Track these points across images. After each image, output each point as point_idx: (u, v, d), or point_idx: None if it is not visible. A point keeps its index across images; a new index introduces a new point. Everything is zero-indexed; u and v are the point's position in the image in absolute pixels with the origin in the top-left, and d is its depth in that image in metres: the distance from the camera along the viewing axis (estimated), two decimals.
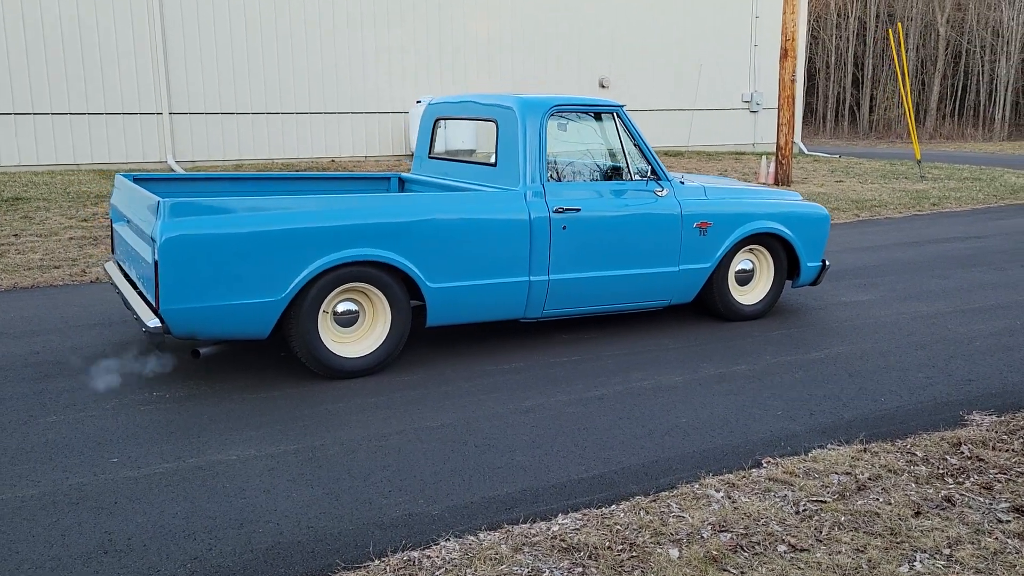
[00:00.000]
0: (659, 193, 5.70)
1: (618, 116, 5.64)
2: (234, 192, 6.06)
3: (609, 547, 3.07)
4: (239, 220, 4.46)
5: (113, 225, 5.70)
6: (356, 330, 4.95)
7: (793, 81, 13.66)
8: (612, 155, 5.72)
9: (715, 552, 3.01)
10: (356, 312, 4.93)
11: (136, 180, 5.60)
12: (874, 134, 46.18)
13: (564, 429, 4.21)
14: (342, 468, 3.76)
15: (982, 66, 44.91)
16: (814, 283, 6.49)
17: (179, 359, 5.18)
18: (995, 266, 8.43)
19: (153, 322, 4.36)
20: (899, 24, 17.21)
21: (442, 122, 6.35)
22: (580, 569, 2.94)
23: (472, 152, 6.56)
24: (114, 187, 5.73)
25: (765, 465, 3.78)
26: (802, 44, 23.72)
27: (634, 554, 3.02)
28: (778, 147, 13.94)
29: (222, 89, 16.40)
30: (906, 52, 14.56)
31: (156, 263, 4.29)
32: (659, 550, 3.05)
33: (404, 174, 6.63)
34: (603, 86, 20.90)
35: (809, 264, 6.36)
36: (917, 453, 3.88)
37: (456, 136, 6.59)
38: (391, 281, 4.90)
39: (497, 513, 3.37)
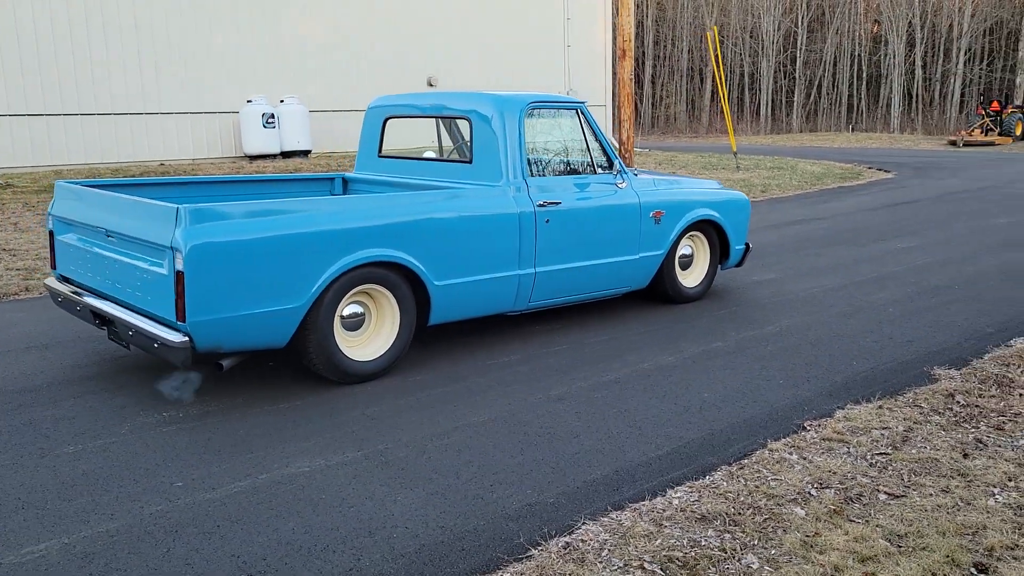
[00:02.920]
0: (620, 185, 5.99)
1: (581, 112, 5.86)
2: (181, 198, 5.72)
3: (739, 512, 3.30)
4: (262, 224, 4.27)
5: (57, 237, 5.21)
6: (362, 333, 4.86)
7: (631, 79, 14.44)
8: (578, 150, 5.93)
9: (833, 506, 3.32)
10: (362, 315, 4.84)
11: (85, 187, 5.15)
12: (657, 129, 49.32)
13: (607, 412, 4.39)
14: (426, 468, 3.74)
15: (743, 67, 49.13)
16: (739, 264, 7.04)
17: (159, 375, 4.86)
18: (854, 244, 9.44)
19: (177, 337, 4.09)
20: (715, 27, 18.61)
21: (392, 121, 6.28)
22: (728, 535, 3.14)
23: (436, 150, 6.53)
24: (55, 196, 5.24)
25: (809, 428, 4.15)
26: (608, 45, 24.99)
27: (766, 516, 3.26)
28: (621, 142, 14.69)
29: (27, 87, 15.00)
30: (719, 53, 15.73)
31: (180, 273, 4.03)
32: (783, 510, 3.31)
33: (348, 174, 6.50)
34: (431, 84, 21.04)
35: (736, 247, 6.89)
36: (923, 406, 4.41)
37: (404, 135, 6.52)
38: (400, 281, 4.86)
39: (608, 494, 3.50)
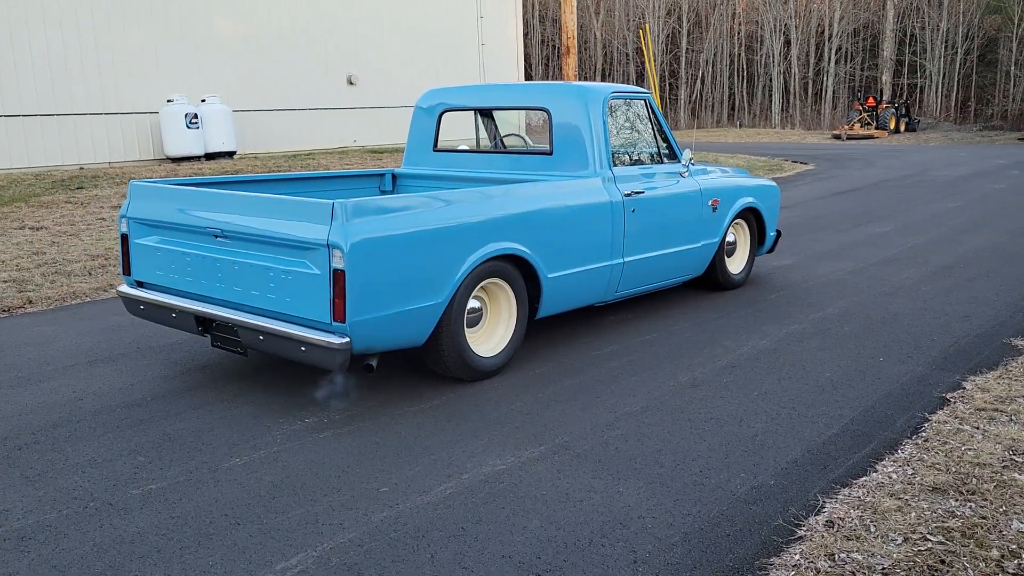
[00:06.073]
0: (683, 174, 6.05)
1: (648, 103, 5.89)
2: None
3: (965, 482, 3.39)
4: (413, 218, 4.10)
5: (133, 240, 4.83)
6: (479, 329, 4.74)
7: (576, 76, 14.58)
8: (648, 140, 5.95)
9: None
10: (480, 310, 4.72)
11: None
12: None
13: (750, 395, 4.43)
14: (622, 458, 3.68)
15: (628, 64, 50.35)
16: (771, 250, 7.23)
17: (280, 381, 4.61)
18: (834, 230, 9.84)
19: (336, 339, 3.87)
20: (646, 26, 19.01)
21: (449, 114, 6.13)
22: (973, 504, 3.23)
23: (470, 144, 6.41)
24: (130, 197, 4.86)
25: (953, 400, 4.32)
26: (520, 43, 25.12)
27: (994, 483, 3.37)
28: None
29: None
30: (651, 51, 16.17)
31: (340, 271, 3.82)
32: (1005, 477, 3.43)
33: (397, 170, 6.31)
34: (351, 83, 20.65)
35: (770, 233, 7.08)
36: None
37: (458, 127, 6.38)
38: (518, 274, 4.76)
39: (820, 473, 3.54)
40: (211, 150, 17.24)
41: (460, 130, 7.13)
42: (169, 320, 4.64)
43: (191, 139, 16.82)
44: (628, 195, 5.44)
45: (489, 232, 4.47)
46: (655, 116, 5.92)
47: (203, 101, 17.20)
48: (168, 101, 16.71)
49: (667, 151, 6.01)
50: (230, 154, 17.66)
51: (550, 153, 5.52)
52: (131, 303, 4.85)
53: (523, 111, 5.76)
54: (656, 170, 5.87)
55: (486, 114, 6.56)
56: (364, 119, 20.99)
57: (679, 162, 6.04)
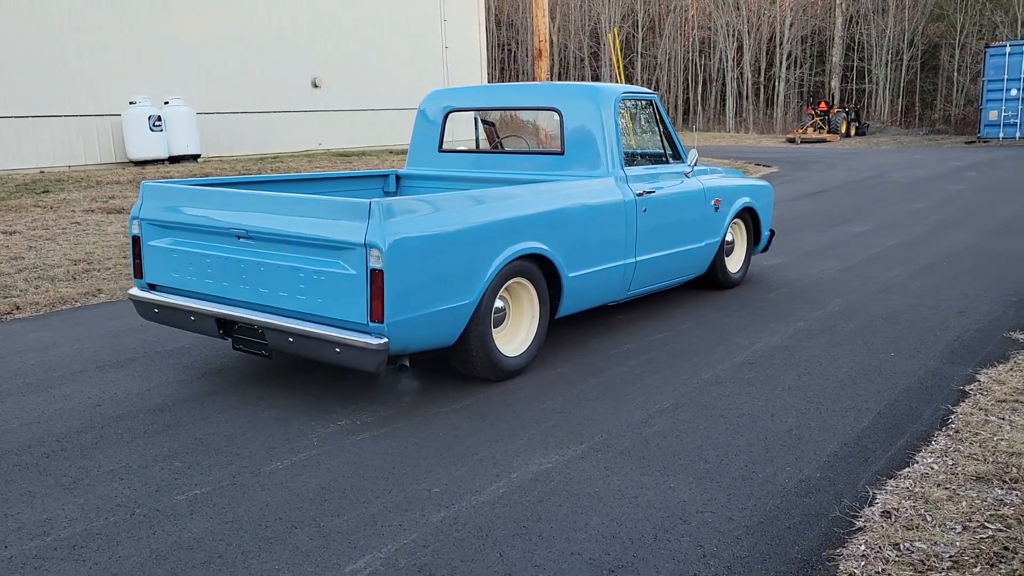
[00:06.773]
0: (688, 175, 6.11)
1: (655, 104, 5.93)
2: None
3: (1006, 471, 3.47)
4: (447, 217, 4.07)
5: (146, 243, 4.72)
6: (503, 329, 4.72)
7: (548, 78, 14.64)
8: (655, 141, 5.99)
9: None
10: (503, 310, 4.70)
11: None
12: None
13: (774, 391, 4.48)
14: (665, 455, 3.69)
15: (584, 68, 50.70)
16: (764, 249, 7.33)
17: (312, 381, 4.53)
18: (813, 230, 10.02)
19: (374, 339, 3.82)
20: (614, 29, 19.17)
21: (454, 115, 6.10)
22: (1018, 492, 3.31)
23: (468, 144, 6.39)
24: (143, 198, 4.74)
25: (972, 392, 4.41)
26: (483, 44, 25.15)
27: None
28: None
29: None
30: (619, 55, 16.32)
31: (378, 271, 3.77)
32: None
33: (401, 171, 6.26)
34: (316, 86, 20.48)
35: (765, 233, 7.17)
36: None
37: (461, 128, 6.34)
38: (540, 274, 4.76)
39: (862, 465, 3.59)
40: (175, 153, 16.95)
41: (460, 131, 7.09)
42: (187, 323, 4.54)
43: (155, 142, 16.52)
44: (640, 195, 5.47)
45: (516, 231, 4.46)
46: (661, 117, 5.96)
47: (166, 103, 16.92)
48: (130, 103, 16.41)
49: (671, 151, 6.06)
50: (194, 157, 17.39)
51: (561, 153, 5.53)
52: (144, 307, 4.73)
53: (520, 112, 5.74)
54: (662, 170, 5.91)
55: (485, 116, 6.54)
56: (329, 122, 20.81)
57: (683, 162, 6.10)
